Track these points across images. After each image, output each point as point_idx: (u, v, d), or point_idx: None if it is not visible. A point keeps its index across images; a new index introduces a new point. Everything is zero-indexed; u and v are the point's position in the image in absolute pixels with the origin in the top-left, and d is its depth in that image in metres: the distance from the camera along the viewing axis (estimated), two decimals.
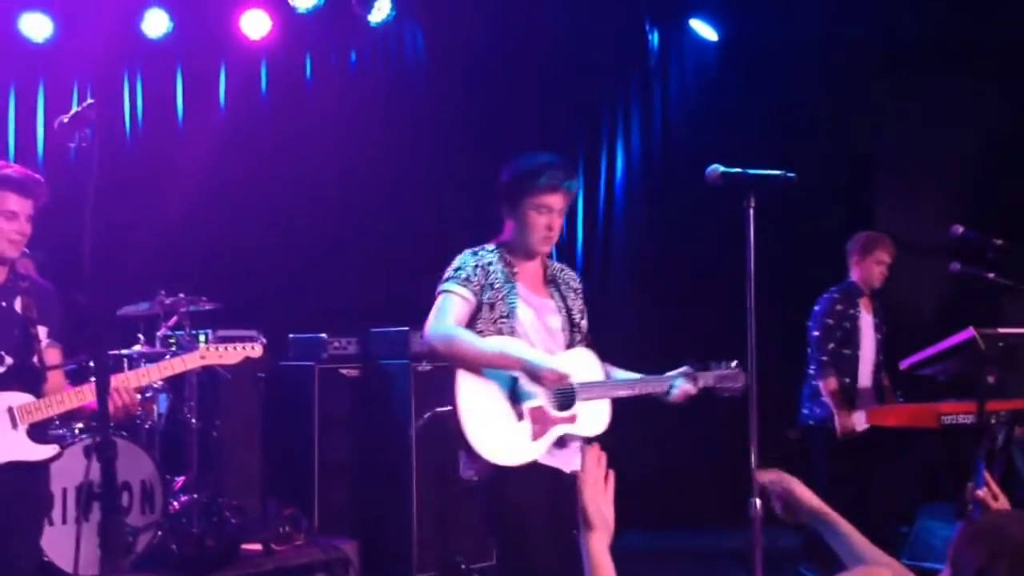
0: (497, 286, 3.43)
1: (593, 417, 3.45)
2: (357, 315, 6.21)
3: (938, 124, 7.08)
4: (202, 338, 5.57)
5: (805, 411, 5.50)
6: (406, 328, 5.75)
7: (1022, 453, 5.30)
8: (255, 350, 3.74)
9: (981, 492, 2.63)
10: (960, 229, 5.00)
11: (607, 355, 3.57)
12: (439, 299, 3.42)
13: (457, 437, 3.30)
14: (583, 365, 3.48)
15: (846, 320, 5.47)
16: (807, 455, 7.07)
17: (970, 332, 4.54)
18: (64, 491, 4.48)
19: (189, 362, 3.60)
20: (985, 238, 4.90)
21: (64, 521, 4.51)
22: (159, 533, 4.89)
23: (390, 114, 6.97)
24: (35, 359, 3.38)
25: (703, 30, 7.50)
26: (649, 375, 3.57)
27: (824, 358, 5.39)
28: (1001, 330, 4.56)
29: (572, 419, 3.41)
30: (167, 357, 4.01)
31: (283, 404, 5.89)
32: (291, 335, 6.07)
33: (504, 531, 3.35)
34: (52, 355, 3.45)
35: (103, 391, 2.74)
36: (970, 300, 5.79)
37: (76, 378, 4.04)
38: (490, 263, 3.47)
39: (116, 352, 5.19)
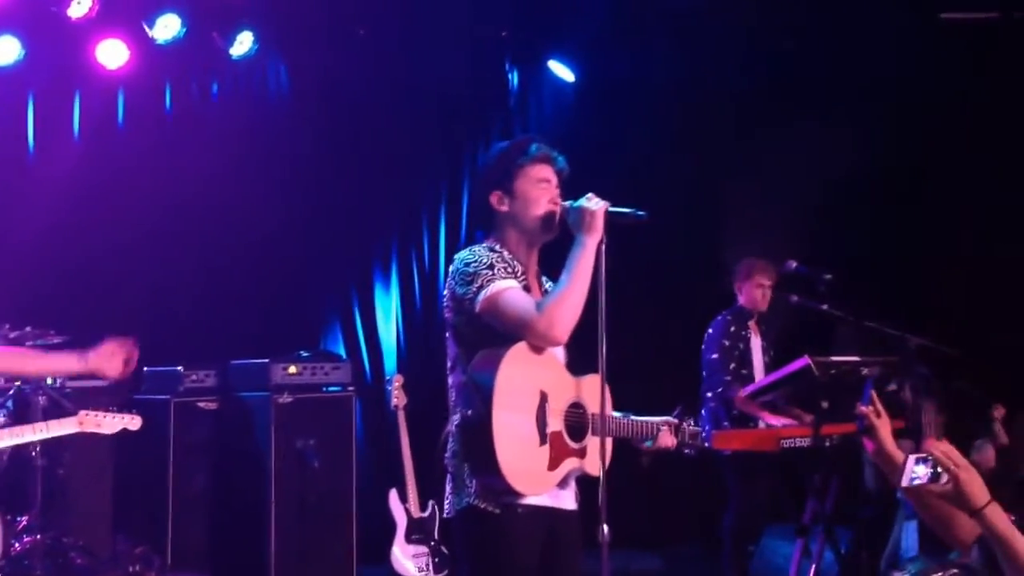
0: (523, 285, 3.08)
1: (596, 454, 3.05)
2: (216, 347, 6.16)
3: (780, 167, 7.46)
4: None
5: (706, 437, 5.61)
6: (266, 360, 5.73)
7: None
8: (134, 422, 3.77)
9: (865, 408, 2.75)
10: (793, 264, 5.27)
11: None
12: (499, 301, 2.96)
13: (471, 449, 2.92)
14: (595, 394, 3.07)
15: (740, 341, 5.71)
16: (659, 481, 7.27)
17: (805, 360, 4.81)
18: None
19: (66, 426, 3.60)
20: (816, 272, 5.17)
21: None
22: None
23: (252, 147, 6.95)
24: None
25: (560, 71, 7.74)
26: (640, 416, 3.25)
27: (728, 378, 5.59)
28: (833, 358, 4.85)
29: (583, 452, 3.08)
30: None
31: (137, 438, 5.70)
32: (146, 368, 5.97)
33: (490, 571, 2.98)
34: None
35: None
36: (806, 330, 6.11)
37: None
38: (506, 261, 3.09)
39: None
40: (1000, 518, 2.05)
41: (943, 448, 2.15)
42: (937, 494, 2.21)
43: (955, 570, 2.22)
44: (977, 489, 2.19)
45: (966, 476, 2.19)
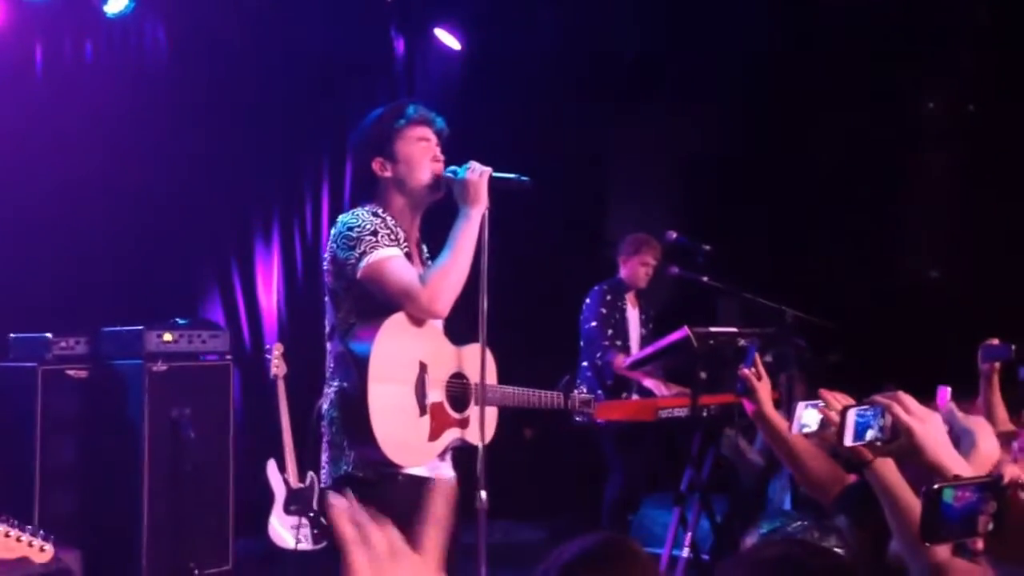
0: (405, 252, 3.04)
1: (478, 424, 3.06)
2: (87, 313, 5.94)
3: (661, 140, 7.58)
4: None
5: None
6: (140, 327, 5.55)
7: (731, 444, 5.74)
8: (44, 554, 2.71)
9: (747, 371, 2.82)
10: (673, 235, 5.35)
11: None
12: (383, 270, 2.93)
13: (349, 421, 2.89)
14: (477, 364, 3.07)
15: (616, 312, 5.78)
16: (542, 452, 7.34)
17: (684, 331, 4.88)
18: None
19: None
20: (695, 244, 5.25)
21: None
22: None
23: (128, 110, 6.68)
24: None
25: (447, 39, 7.68)
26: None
27: (606, 343, 5.65)
28: (712, 329, 4.93)
29: (465, 423, 3.09)
30: None
31: (1, 407, 5.55)
32: (12, 335, 5.73)
33: None
34: None
35: None
36: (691, 304, 6.22)
37: None
38: (389, 227, 3.03)
39: None
40: (890, 470, 2.05)
41: (836, 395, 2.14)
42: (829, 444, 2.20)
43: (796, 524, 2.24)
44: None
45: None
